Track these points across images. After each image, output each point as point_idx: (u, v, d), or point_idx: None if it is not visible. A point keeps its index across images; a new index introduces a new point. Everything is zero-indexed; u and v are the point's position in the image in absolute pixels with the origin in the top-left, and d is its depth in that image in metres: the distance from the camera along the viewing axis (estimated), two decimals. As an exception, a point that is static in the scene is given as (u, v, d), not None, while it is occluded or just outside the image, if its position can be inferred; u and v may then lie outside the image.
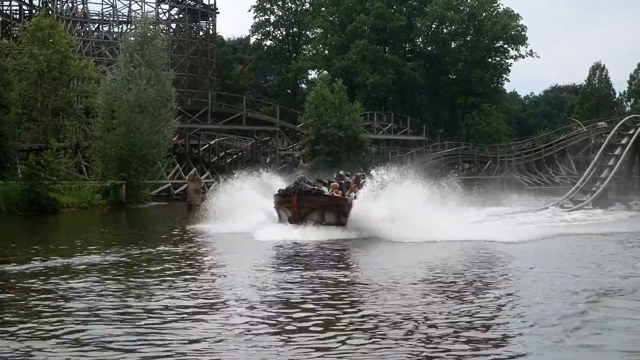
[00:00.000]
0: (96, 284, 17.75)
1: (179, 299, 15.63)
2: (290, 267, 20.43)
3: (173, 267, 20.85)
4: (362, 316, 14.00)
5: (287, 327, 13.06)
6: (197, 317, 13.85)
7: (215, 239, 28.88)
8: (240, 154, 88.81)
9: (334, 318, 13.89)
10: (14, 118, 52.01)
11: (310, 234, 27.59)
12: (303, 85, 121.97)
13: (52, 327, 13.10)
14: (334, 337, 12.44)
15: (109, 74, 65.32)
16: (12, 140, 50.69)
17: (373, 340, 12.30)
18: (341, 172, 35.67)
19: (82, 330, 12.80)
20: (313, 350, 11.67)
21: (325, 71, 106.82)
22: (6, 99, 48.34)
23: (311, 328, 13.05)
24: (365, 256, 23.77)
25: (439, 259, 22.06)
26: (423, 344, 12.10)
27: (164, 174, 64.77)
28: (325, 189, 30.29)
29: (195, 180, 60.71)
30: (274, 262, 21.99)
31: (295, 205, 28.71)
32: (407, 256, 23.49)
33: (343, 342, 12.08)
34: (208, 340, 12.18)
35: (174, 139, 68.03)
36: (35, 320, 13.64)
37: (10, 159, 48.88)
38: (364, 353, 11.59)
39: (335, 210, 29.20)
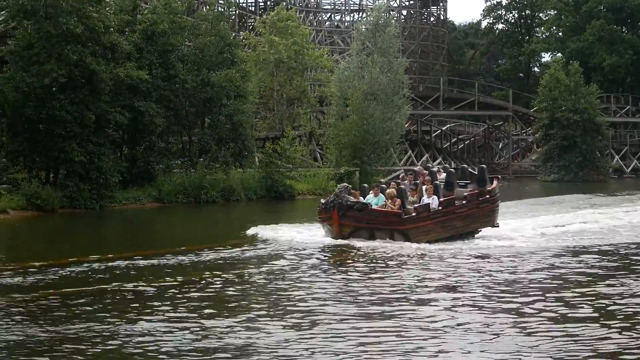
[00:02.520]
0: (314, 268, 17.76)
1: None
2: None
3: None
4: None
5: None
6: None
7: None
8: (472, 139, 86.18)
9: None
10: (251, 107, 52.30)
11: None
12: (536, 69, 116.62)
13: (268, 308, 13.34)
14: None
15: (342, 63, 64.79)
16: (249, 130, 51.01)
17: None
18: (416, 168, 27.07)
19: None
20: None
21: (559, 54, 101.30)
22: (244, 89, 48.53)
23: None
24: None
25: None
26: None
27: (396, 160, 63.61)
28: (381, 197, 23.30)
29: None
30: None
31: (336, 223, 22.71)
32: None
33: None
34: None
35: (406, 125, 66.46)
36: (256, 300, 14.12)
37: (248, 148, 49.13)
38: None
39: (388, 229, 22.65)
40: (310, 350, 11.13)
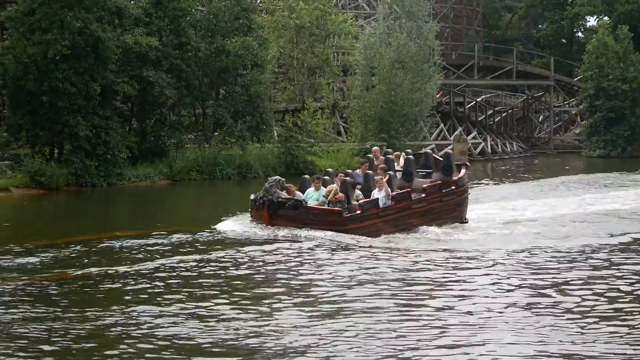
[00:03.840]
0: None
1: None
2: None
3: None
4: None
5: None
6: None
7: None
8: (510, 111, 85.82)
9: None
10: (269, 78, 52.38)
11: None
12: (580, 34, 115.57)
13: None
14: None
15: (367, 29, 64.61)
16: (267, 101, 51.08)
17: None
18: (373, 149, 25.01)
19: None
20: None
21: (606, 17, 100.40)
22: (262, 57, 48.50)
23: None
24: None
25: None
26: None
27: (426, 134, 63.40)
28: (322, 191, 21.08)
29: (461, 141, 58.50)
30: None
31: (267, 222, 20.84)
32: None
33: None
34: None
35: (437, 96, 66.30)
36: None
37: (266, 121, 49.22)
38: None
39: (327, 229, 20.41)
40: (323, 336, 11.31)
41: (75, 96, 37.33)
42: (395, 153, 24.91)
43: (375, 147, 25.56)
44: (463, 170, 24.22)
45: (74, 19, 36.70)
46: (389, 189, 21.38)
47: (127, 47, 39.93)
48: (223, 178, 42.76)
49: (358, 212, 20.61)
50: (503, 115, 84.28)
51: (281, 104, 61.95)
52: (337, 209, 20.45)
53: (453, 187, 23.28)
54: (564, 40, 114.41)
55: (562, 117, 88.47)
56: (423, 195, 22.43)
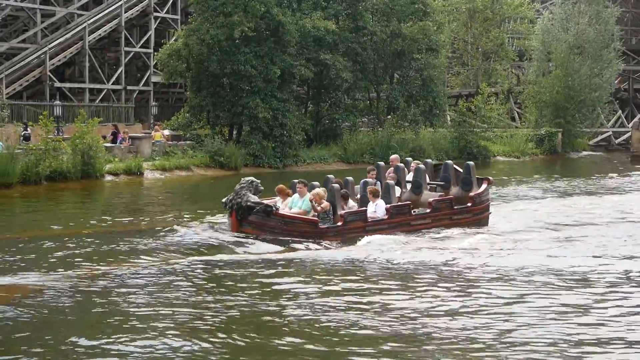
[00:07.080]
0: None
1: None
2: None
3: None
4: None
5: None
6: None
7: None
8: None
9: None
10: (443, 62, 51.75)
11: None
12: None
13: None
14: None
15: (545, 13, 62.98)
16: (441, 86, 50.47)
17: None
18: (378, 162, 21.53)
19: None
20: None
21: None
22: (436, 42, 47.83)
23: None
24: None
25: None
26: None
27: (604, 121, 61.39)
28: (307, 197, 18.05)
29: (640, 128, 56.86)
30: None
31: (235, 228, 18.09)
32: None
33: None
34: None
35: (616, 82, 63.92)
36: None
37: (440, 106, 48.63)
38: None
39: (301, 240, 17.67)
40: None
41: (256, 79, 37.98)
42: (414, 162, 21.52)
43: (393, 156, 22.41)
44: (484, 185, 20.66)
45: (257, 2, 37.29)
46: (381, 201, 18.48)
47: (306, 31, 40.23)
48: (395, 162, 42.45)
49: (339, 223, 17.84)
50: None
51: (455, 88, 61.25)
52: (313, 218, 17.75)
53: (469, 204, 19.85)
54: None
55: None
56: (428, 210, 19.22)
